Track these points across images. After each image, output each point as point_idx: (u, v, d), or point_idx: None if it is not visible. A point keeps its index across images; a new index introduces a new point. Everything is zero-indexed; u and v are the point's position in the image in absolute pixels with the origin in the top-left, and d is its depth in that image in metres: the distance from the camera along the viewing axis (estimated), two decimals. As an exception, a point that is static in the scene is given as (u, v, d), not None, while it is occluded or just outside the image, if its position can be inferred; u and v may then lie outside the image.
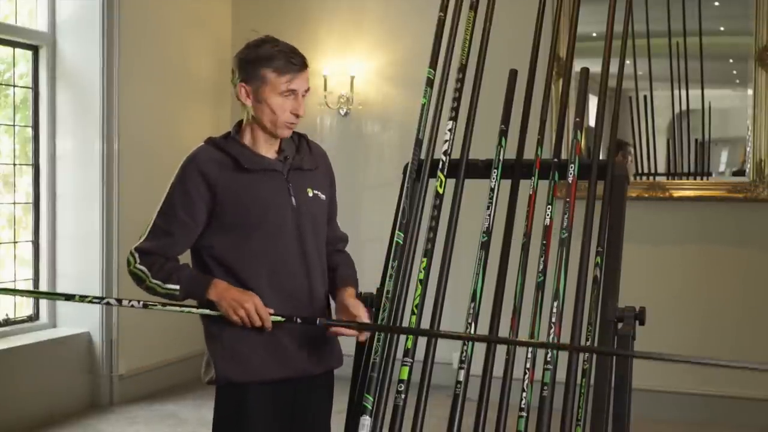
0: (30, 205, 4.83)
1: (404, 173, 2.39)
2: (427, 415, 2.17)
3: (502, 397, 2.13)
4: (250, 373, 2.25)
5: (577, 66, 2.79)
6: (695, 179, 4.78)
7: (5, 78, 4.76)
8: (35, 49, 4.81)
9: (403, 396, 2.15)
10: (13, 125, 4.77)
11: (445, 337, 2.15)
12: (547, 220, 2.31)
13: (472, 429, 2.15)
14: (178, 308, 2.26)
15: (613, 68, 2.50)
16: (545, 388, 2.13)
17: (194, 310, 2.26)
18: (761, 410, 4.53)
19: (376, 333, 2.25)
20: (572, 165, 2.34)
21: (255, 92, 2.28)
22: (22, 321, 4.74)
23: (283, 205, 2.30)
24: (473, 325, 2.23)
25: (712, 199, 4.69)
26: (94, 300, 2.30)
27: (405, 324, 2.26)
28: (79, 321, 4.83)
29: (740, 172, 4.73)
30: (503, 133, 2.44)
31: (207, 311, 2.24)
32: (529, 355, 2.17)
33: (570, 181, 2.34)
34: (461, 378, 2.18)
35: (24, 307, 4.80)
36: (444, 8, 2.50)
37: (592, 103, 3.94)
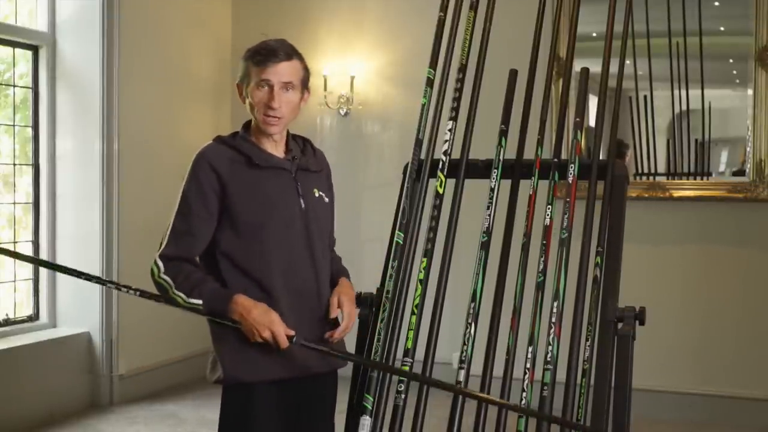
0: (30, 205, 4.83)
1: (404, 173, 2.39)
2: (427, 415, 2.18)
3: (501, 397, 2.13)
4: (258, 373, 2.24)
5: (577, 66, 2.79)
6: (695, 179, 4.78)
7: (5, 78, 4.76)
8: (35, 49, 4.80)
9: (403, 396, 2.16)
10: (13, 125, 4.76)
11: (435, 386, 2.06)
12: (547, 220, 2.31)
13: (472, 429, 2.15)
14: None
15: (613, 68, 2.51)
16: (545, 388, 2.13)
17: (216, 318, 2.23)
18: (761, 410, 4.53)
19: (377, 332, 2.25)
20: (572, 165, 2.35)
21: (245, 89, 2.31)
22: (22, 321, 4.74)
23: (292, 203, 2.31)
24: (473, 325, 2.23)
25: (712, 199, 4.69)
26: (126, 288, 2.09)
27: (405, 324, 2.26)
28: (79, 321, 4.83)
29: (740, 172, 4.73)
30: (503, 133, 2.44)
31: (227, 322, 2.20)
32: (529, 355, 2.17)
33: (570, 181, 2.34)
34: (461, 378, 2.19)
35: (24, 307, 4.79)
36: (444, 8, 2.51)
37: (592, 103, 3.93)
